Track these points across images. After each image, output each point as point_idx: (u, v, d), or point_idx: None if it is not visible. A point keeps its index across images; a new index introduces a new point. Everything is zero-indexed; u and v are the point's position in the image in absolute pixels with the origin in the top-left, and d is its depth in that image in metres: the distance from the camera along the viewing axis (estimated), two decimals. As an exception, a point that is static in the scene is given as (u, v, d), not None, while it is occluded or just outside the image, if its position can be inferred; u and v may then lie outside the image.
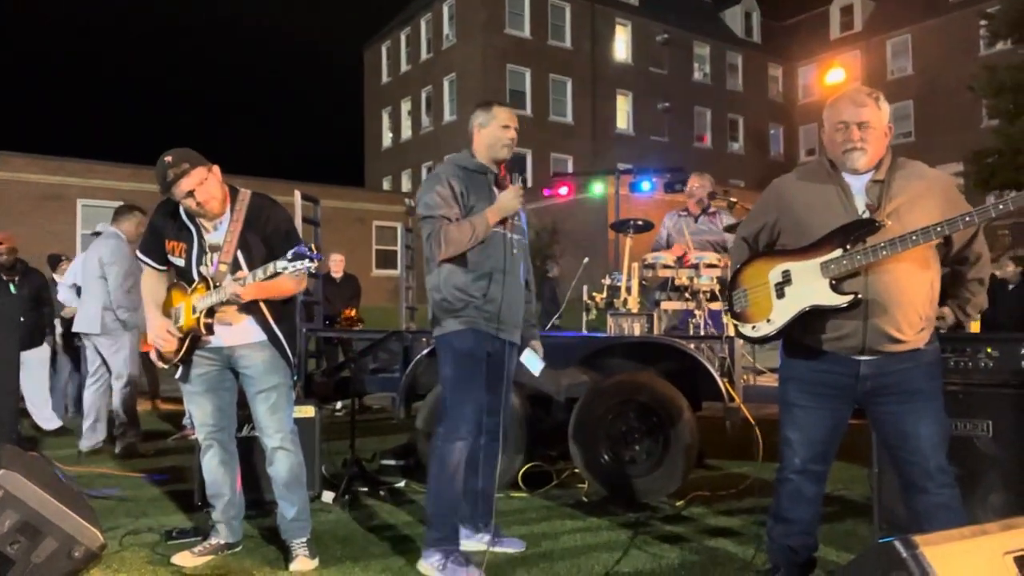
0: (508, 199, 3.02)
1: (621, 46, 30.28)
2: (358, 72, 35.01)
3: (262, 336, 2.99)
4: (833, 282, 2.30)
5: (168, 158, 2.85)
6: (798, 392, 2.45)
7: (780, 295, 2.41)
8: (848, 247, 2.28)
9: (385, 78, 32.93)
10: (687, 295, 4.95)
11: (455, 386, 2.98)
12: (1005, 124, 18.03)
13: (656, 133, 29.81)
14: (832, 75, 21.05)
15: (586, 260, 6.91)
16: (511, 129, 3.07)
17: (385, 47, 32.91)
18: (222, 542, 3.11)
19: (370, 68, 34.06)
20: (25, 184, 18.59)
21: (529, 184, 27.48)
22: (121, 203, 6.41)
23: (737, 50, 33.84)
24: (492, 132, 3.06)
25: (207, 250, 2.96)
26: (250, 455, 3.58)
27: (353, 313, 7.26)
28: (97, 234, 6.00)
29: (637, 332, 4.57)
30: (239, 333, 2.98)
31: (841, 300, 2.28)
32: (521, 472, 4.20)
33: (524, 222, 3.22)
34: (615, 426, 4.08)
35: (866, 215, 2.33)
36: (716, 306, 4.88)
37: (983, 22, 19.88)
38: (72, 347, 7.23)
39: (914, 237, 2.20)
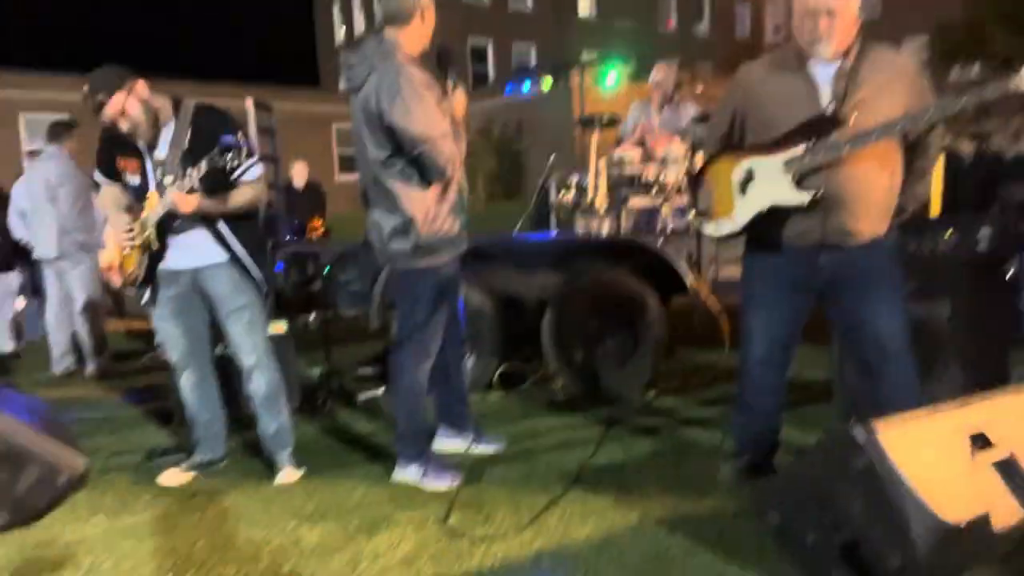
0: (463, 100, 2.92)
1: (582, -76, 28.75)
2: (305, -39, 32.95)
3: (224, 256, 2.94)
4: (795, 179, 2.30)
5: (86, 87, 2.76)
6: (759, 285, 2.51)
7: (743, 192, 2.42)
8: (810, 143, 2.27)
9: (334, -34, 31.08)
10: (654, 191, 4.93)
11: (433, 311, 2.92)
12: (972, -5, 17.73)
13: (620, 19, 28.81)
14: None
15: (553, 156, 6.80)
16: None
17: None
18: (206, 459, 3.17)
19: (317, -44, 32.06)
20: (-40, 98, 17.61)
21: (492, 76, 26.72)
22: (60, 117, 6.09)
23: (702, -77, 32.35)
24: (429, 23, 2.85)
25: (156, 166, 2.88)
26: (225, 373, 3.58)
27: (319, 224, 7.13)
28: (35, 153, 5.75)
29: (605, 231, 4.58)
30: (200, 254, 2.93)
31: (803, 197, 2.29)
32: (496, 373, 4.29)
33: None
34: (588, 325, 4.14)
35: (832, 106, 2.30)
36: (683, 201, 4.88)
37: None
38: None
39: (875, 134, 2.19)
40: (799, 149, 2.29)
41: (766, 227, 2.41)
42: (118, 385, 5.05)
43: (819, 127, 2.27)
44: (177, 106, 2.90)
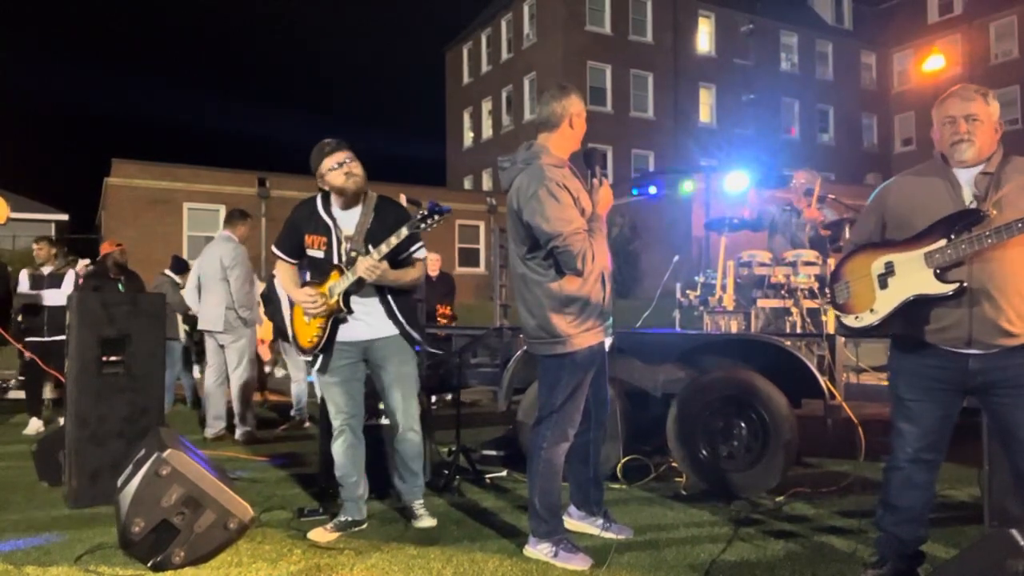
0: (608, 195, 3.12)
1: (704, 38, 29.80)
2: (440, 74, 35.74)
3: (394, 330, 3.33)
4: (938, 271, 2.34)
5: (328, 140, 3.31)
6: (907, 386, 2.52)
7: (883, 286, 2.47)
8: (952, 237, 2.33)
9: (467, 79, 33.47)
10: (784, 292, 4.97)
11: (569, 396, 3.05)
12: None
13: (740, 126, 29.18)
14: (931, 62, 20.15)
15: (676, 258, 6.96)
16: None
17: (466, 48, 33.44)
18: (350, 519, 3.39)
19: (452, 69, 34.68)
20: (135, 189, 19.90)
21: (611, 180, 27.45)
22: (230, 208, 6.91)
23: (827, 37, 32.72)
24: (579, 126, 3.12)
25: (343, 240, 3.31)
26: (372, 443, 3.85)
27: (448, 311, 7.54)
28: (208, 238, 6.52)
29: (734, 329, 4.63)
30: (374, 328, 3.32)
31: (946, 288, 2.33)
32: (620, 464, 4.34)
33: None
34: (713, 421, 4.15)
35: (973, 206, 2.37)
36: (813, 304, 4.89)
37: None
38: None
39: (1020, 225, 2.23)
40: (941, 242, 2.35)
41: (909, 323, 2.44)
42: (263, 450, 5.44)
43: (959, 221, 2.33)
44: (364, 194, 3.37)
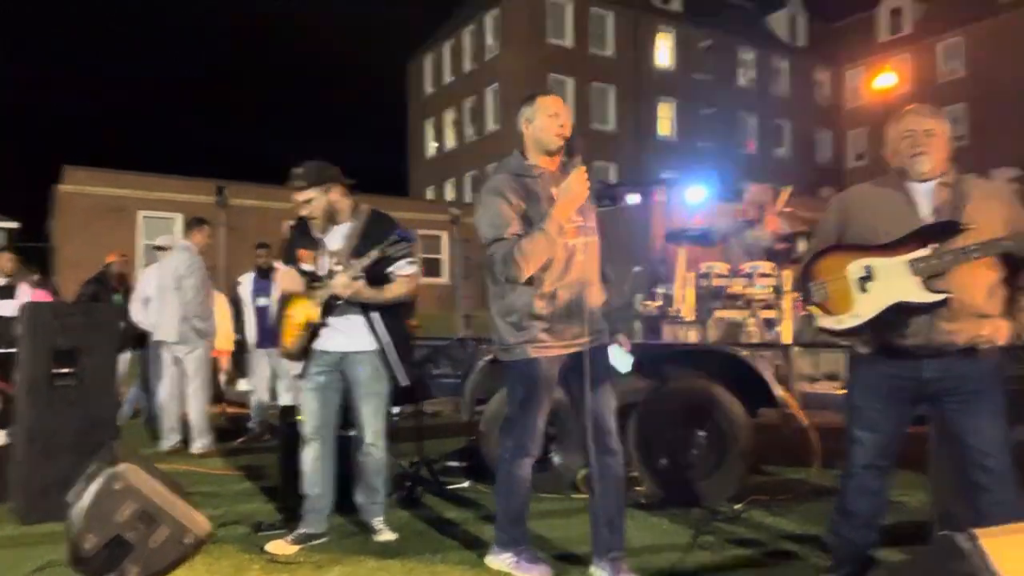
0: (572, 186, 2.76)
1: (664, 53, 30.29)
2: (401, 83, 35.67)
3: (373, 346, 3.33)
4: (924, 280, 2.42)
5: (297, 170, 3.35)
6: (864, 394, 2.60)
7: (863, 290, 2.51)
8: (936, 246, 2.40)
9: (429, 89, 33.46)
10: (741, 303, 5.07)
11: (523, 408, 2.94)
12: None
13: (700, 139, 29.71)
14: (882, 79, 20.78)
15: (637, 269, 7.04)
16: (560, 116, 2.88)
17: (429, 58, 33.46)
18: (311, 532, 3.36)
19: (414, 79, 34.64)
20: (87, 196, 19.39)
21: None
22: (187, 216, 6.83)
23: (783, 54, 33.53)
24: (540, 124, 2.88)
25: (328, 255, 3.37)
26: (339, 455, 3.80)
27: (413, 322, 7.51)
28: (159, 248, 6.41)
29: (692, 340, 4.71)
30: (352, 340, 3.34)
31: (935, 297, 2.40)
32: (581, 475, 4.36)
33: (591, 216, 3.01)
34: (673, 431, 4.21)
35: (931, 219, 2.46)
36: (770, 314, 4.99)
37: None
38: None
39: (1006, 242, 2.33)
40: (924, 251, 2.43)
41: (882, 328, 2.51)
42: (220, 463, 5.35)
43: (940, 231, 2.42)
44: (356, 208, 3.42)
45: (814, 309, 2.65)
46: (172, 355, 5.92)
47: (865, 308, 2.52)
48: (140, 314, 6.41)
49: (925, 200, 2.51)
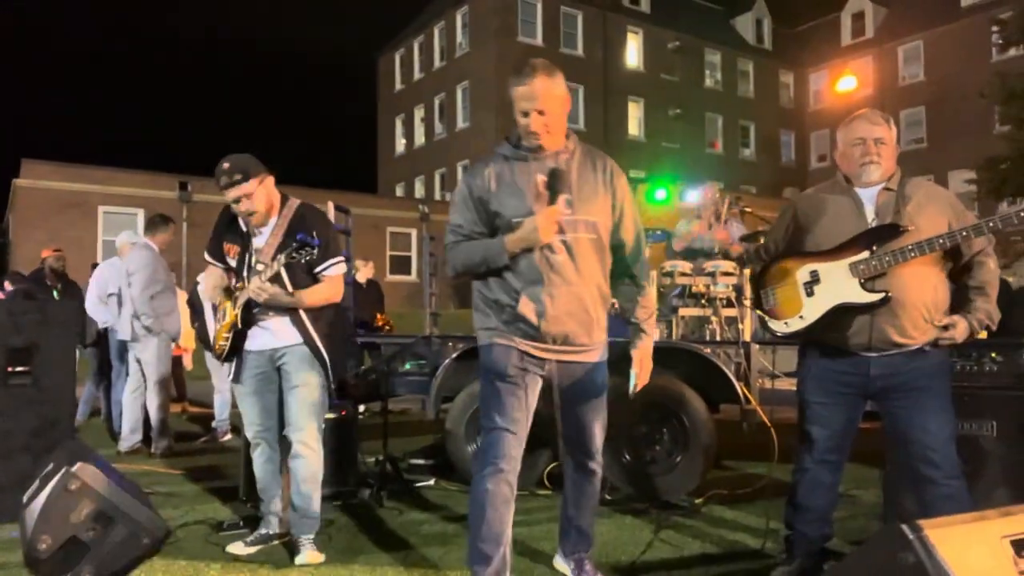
0: (530, 230, 2.46)
1: (633, 53, 30.50)
2: (372, 80, 35.40)
3: (299, 339, 3.17)
4: (863, 281, 2.49)
5: (226, 165, 3.08)
6: (815, 390, 2.66)
7: (810, 293, 2.61)
8: (875, 249, 2.47)
9: (399, 85, 33.27)
10: (703, 302, 5.15)
11: (485, 406, 2.66)
12: (1016, 131, 18.11)
13: (668, 139, 29.99)
14: (843, 83, 21.16)
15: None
16: (530, 113, 2.53)
17: (399, 55, 33.26)
18: (272, 532, 3.33)
19: (384, 76, 34.41)
20: (46, 191, 18.93)
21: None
22: (148, 212, 6.71)
23: (748, 57, 34.00)
24: (517, 119, 2.58)
25: (252, 252, 3.20)
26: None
27: (384, 319, 7.53)
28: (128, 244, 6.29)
29: (656, 337, 4.76)
30: (279, 337, 3.18)
31: (873, 297, 2.48)
32: (547, 471, 4.40)
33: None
34: (636, 427, 4.26)
35: (875, 223, 2.54)
36: (731, 312, 5.08)
37: (995, 28, 20.01)
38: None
39: (941, 240, 2.40)
40: (864, 254, 2.50)
41: (826, 329, 2.59)
42: (181, 463, 5.27)
43: (881, 234, 2.49)
44: (284, 203, 3.23)
45: (763, 314, 2.75)
46: (133, 353, 5.82)
47: (810, 311, 2.60)
48: (96, 311, 6.30)
49: (871, 205, 2.58)
